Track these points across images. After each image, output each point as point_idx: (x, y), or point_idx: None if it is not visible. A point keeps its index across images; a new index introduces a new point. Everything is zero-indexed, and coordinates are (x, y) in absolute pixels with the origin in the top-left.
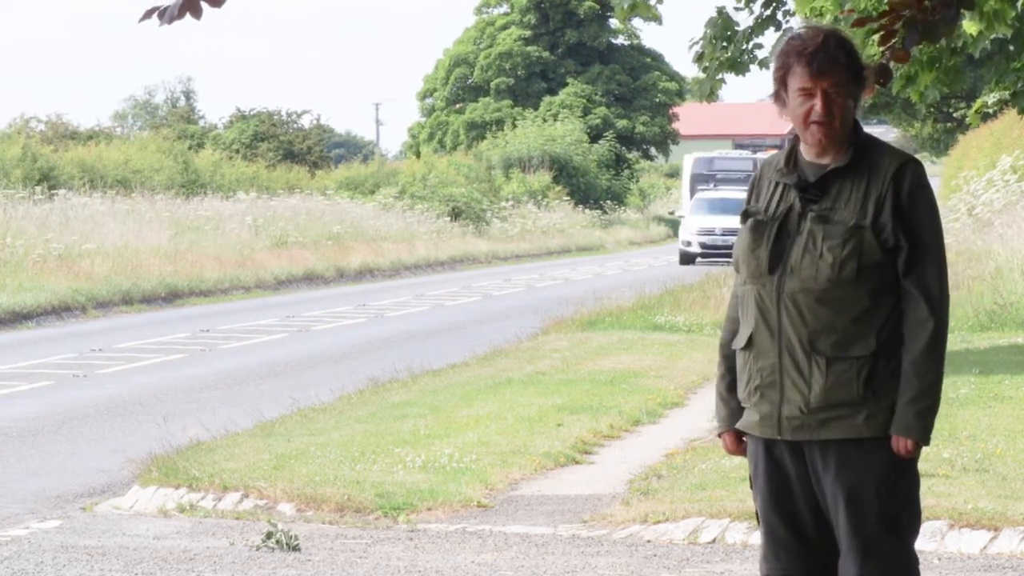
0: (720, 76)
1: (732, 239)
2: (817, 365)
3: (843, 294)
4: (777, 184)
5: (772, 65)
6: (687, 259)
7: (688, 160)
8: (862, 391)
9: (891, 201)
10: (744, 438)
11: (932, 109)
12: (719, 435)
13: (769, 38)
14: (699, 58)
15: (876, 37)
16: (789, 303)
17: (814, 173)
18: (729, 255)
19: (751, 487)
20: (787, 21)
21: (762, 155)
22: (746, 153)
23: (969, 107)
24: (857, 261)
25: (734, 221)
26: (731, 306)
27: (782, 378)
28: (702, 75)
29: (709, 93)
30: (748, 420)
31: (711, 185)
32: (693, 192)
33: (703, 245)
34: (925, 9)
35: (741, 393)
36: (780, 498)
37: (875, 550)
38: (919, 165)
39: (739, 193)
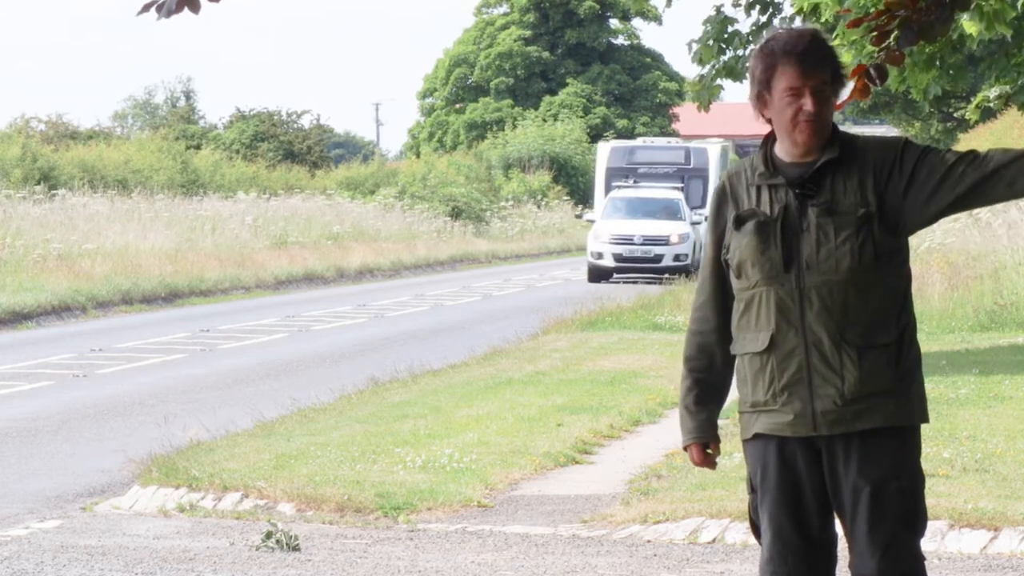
0: (718, 82)
1: (656, 249)
2: (848, 356)
3: (864, 283)
4: (760, 187)
5: (755, 67)
6: (599, 275)
7: (603, 150)
8: (893, 378)
9: (897, 180)
10: (749, 443)
11: (932, 109)
12: (684, 448)
13: None
14: (699, 60)
15: (872, 37)
16: (814, 297)
17: (797, 172)
18: (653, 269)
19: (749, 491)
20: (783, 28)
21: (696, 144)
22: (676, 141)
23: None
24: (873, 248)
25: (660, 226)
26: (697, 320)
27: (810, 374)
28: (699, 79)
29: (708, 102)
30: (775, 422)
31: (630, 181)
32: (608, 190)
33: (618, 257)
34: (920, 9)
35: (760, 397)
36: (791, 499)
37: (893, 546)
38: (897, 139)
39: (665, 191)
